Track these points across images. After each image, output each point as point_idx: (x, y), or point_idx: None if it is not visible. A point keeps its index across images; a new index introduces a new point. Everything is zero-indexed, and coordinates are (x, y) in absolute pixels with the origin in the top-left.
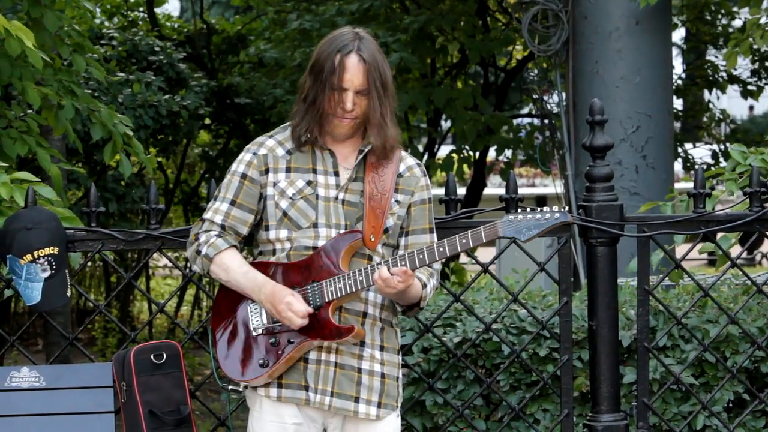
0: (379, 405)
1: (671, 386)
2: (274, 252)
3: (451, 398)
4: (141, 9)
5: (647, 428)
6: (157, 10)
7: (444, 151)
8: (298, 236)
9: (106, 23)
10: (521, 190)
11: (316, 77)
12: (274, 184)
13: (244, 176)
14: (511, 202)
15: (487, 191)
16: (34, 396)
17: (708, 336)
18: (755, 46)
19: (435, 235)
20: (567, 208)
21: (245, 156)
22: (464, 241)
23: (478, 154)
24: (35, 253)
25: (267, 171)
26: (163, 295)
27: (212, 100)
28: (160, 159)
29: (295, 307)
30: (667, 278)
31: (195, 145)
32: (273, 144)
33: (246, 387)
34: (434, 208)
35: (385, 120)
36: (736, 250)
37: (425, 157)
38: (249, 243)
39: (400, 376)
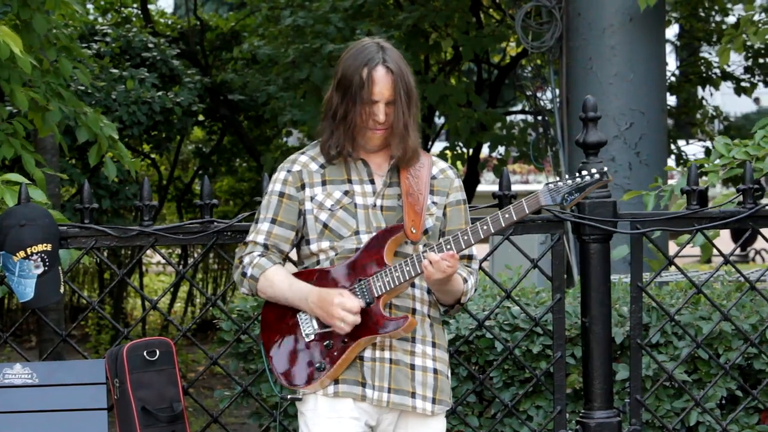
0: (433, 401)
1: (664, 383)
2: (318, 263)
3: None
4: (134, 5)
5: (640, 425)
6: (150, 7)
7: (437, 147)
8: (340, 245)
9: (100, 20)
10: (515, 187)
11: (345, 92)
12: (312, 198)
13: (282, 194)
14: (504, 199)
15: (480, 188)
16: (27, 393)
17: (701, 333)
18: (749, 43)
19: None
20: (605, 167)
21: (280, 174)
22: (507, 215)
23: (471, 150)
24: (28, 250)
25: (303, 186)
26: (156, 292)
27: (206, 97)
28: (153, 155)
29: (348, 305)
30: (660, 276)
31: (188, 141)
32: (306, 159)
33: (304, 393)
34: None
35: (408, 130)
36: (729, 247)
37: None
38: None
39: (449, 373)
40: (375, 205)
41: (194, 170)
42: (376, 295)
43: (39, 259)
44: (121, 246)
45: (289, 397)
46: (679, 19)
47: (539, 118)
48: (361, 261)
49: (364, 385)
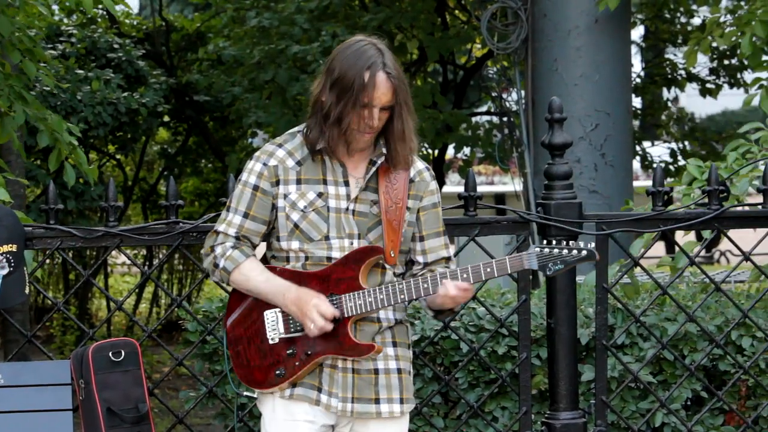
0: (401, 401)
1: (629, 384)
2: (287, 260)
3: None
4: (100, 6)
5: (605, 426)
6: (115, 8)
7: None
8: (310, 248)
9: (65, 20)
10: (480, 188)
11: (342, 93)
12: (285, 196)
13: (256, 188)
14: (470, 200)
15: (446, 189)
16: None
17: (666, 334)
18: (714, 44)
19: (447, 236)
20: (592, 245)
21: (256, 166)
22: (488, 270)
23: (436, 151)
24: None
25: (278, 183)
26: (121, 293)
27: (171, 98)
28: (118, 156)
29: (322, 309)
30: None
31: (154, 142)
32: (283, 155)
33: (260, 393)
34: None
35: (410, 135)
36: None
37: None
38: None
39: (412, 371)
40: (348, 209)
41: (159, 171)
42: (347, 316)
43: (4, 260)
44: (87, 247)
45: (245, 393)
46: (645, 21)
47: (505, 119)
48: (335, 275)
49: (320, 390)
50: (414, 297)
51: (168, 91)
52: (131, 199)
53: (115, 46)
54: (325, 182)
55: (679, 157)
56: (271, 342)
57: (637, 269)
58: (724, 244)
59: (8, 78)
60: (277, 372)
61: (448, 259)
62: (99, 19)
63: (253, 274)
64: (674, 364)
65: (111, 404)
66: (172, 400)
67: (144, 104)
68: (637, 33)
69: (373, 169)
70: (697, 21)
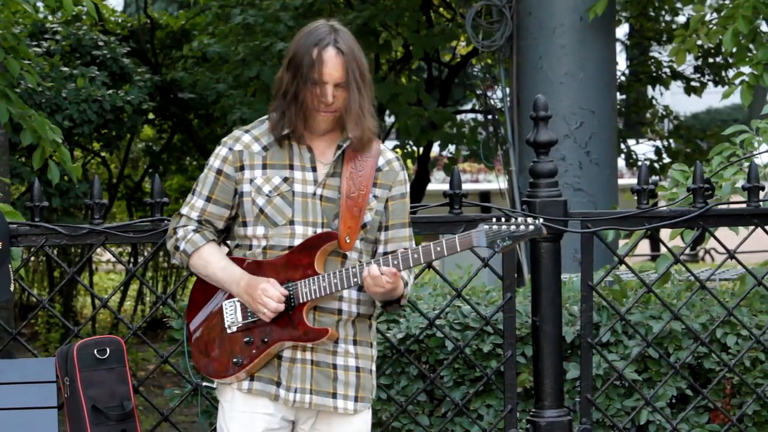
0: (356, 399)
1: (614, 382)
2: (250, 247)
3: (394, 394)
4: (84, 3)
5: (590, 424)
6: (94, 6)
7: (388, 146)
8: (274, 234)
9: (50, 17)
10: (465, 186)
11: (295, 72)
12: (251, 181)
13: (219, 172)
14: (455, 198)
15: (431, 187)
16: None
17: (651, 332)
18: (699, 42)
19: (411, 228)
20: (540, 220)
21: (221, 151)
22: (438, 249)
23: (421, 149)
24: None
25: (242, 168)
26: (106, 290)
27: (156, 95)
28: (103, 154)
29: (270, 292)
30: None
31: (138, 140)
32: (249, 140)
33: (219, 383)
34: None
35: (363, 112)
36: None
37: None
38: (227, 236)
39: (374, 368)
40: (315, 194)
41: (144, 168)
42: (302, 301)
43: None
44: (72, 244)
45: (204, 384)
46: (629, 19)
47: (490, 116)
48: (292, 262)
49: (278, 384)
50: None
51: (153, 88)
52: (116, 197)
53: (100, 43)
54: (291, 167)
55: (664, 155)
56: (229, 331)
57: (623, 267)
58: (709, 242)
59: None
60: (235, 360)
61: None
62: (84, 17)
63: (212, 259)
64: (659, 362)
65: (96, 402)
66: (157, 397)
67: (129, 102)
68: (622, 31)
69: (339, 152)
70: (681, 19)
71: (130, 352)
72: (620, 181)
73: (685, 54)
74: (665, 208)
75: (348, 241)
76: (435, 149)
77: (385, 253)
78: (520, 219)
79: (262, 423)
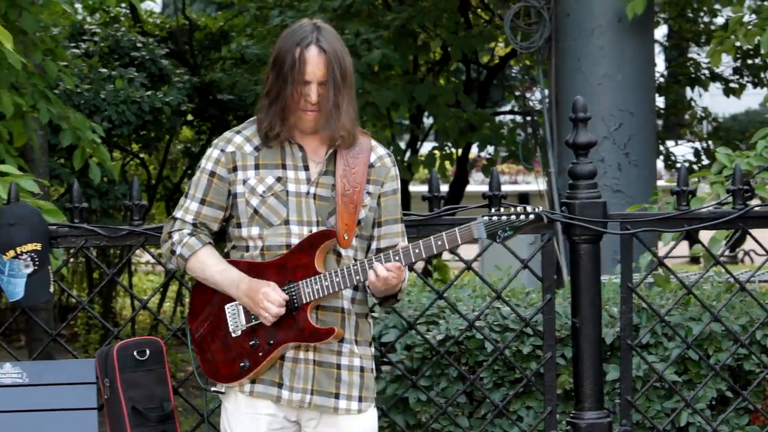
0: (360, 399)
1: (654, 383)
2: (247, 249)
3: (434, 395)
4: (123, 5)
5: (630, 425)
6: (141, 5)
7: (426, 148)
8: (269, 234)
9: (88, 19)
10: (504, 187)
11: (279, 72)
12: (244, 182)
13: (212, 174)
14: (494, 199)
15: (469, 188)
16: (16, 392)
17: (691, 333)
18: (738, 44)
19: (403, 224)
20: (540, 208)
21: (213, 153)
22: (439, 243)
23: (460, 150)
24: (18, 249)
25: (235, 169)
26: (145, 292)
27: (194, 96)
28: (142, 155)
29: (271, 297)
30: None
31: (177, 141)
32: (241, 141)
33: (227, 387)
34: (416, 205)
35: (338, 109)
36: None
37: (408, 154)
38: (221, 238)
39: (374, 367)
40: (308, 193)
41: (183, 170)
42: (305, 302)
43: (29, 259)
44: (111, 245)
45: (212, 389)
46: (668, 20)
47: (528, 118)
48: (291, 262)
49: (280, 385)
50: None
51: (191, 89)
52: (155, 198)
53: (139, 44)
54: (284, 167)
55: (703, 157)
56: (233, 335)
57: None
58: (749, 244)
59: (31, 77)
60: (242, 364)
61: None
62: (122, 18)
63: (209, 262)
64: (699, 364)
65: (136, 403)
66: (196, 398)
67: (167, 103)
68: (661, 32)
69: (330, 151)
70: (720, 20)
71: (170, 354)
72: (659, 183)
73: (721, 55)
74: (704, 209)
75: (346, 238)
76: (473, 150)
77: (378, 250)
78: (519, 209)
79: (265, 424)
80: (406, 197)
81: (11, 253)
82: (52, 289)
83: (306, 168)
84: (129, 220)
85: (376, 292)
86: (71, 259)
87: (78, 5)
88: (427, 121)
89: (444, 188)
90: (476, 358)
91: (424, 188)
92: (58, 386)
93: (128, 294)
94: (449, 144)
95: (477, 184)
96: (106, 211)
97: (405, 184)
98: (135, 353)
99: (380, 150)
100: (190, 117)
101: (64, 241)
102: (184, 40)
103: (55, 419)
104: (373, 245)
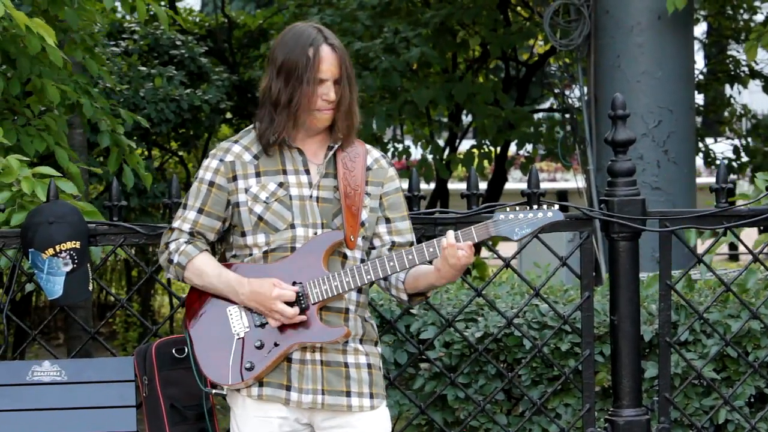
0: (371, 396)
1: (693, 381)
2: (250, 255)
3: (472, 393)
4: (162, 3)
5: (669, 423)
6: (178, 5)
7: (465, 145)
8: (275, 239)
9: (128, 17)
10: (543, 185)
11: (289, 76)
12: (246, 190)
13: (211, 184)
14: (533, 197)
15: (508, 186)
16: (55, 390)
17: (729, 331)
18: None
19: (410, 221)
20: (556, 206)
21: (212, 163)
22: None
23: (499, 148)
24: (57, 247)
25: (235, 178)
26: (184, 290)
27: (233, 95)
28: (181, 153)
29: (287, 297)
30: (690, 273)
31: (216, 139)
32: (239, 150)
33: (229, 389)
34: (455, 203)
35: (354, 109)
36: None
37: (446, 152)
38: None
39: (381, 365)
40: (311, 197)
41: None
42: (313, 302)
43: (68, 257)
44: (150, 243)
45: (214, 392)
46: (707, 17)
47: (567, 115)
48: (297, 264)
49: (288, 388)
50: (381, 276)
51: (230, 87)
52: None
53: (178, 43)
54: (284, 172)
55: (742, 154)
56: (237, 337)
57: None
58: None
59: (72, 74)
60: (247, 366)
61: (412, 243)
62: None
63: (206, 269)
64: (738, 361)
65: (174, 401)
66: None
67: (206, 101)
68: (700, 29)
69: (330, 153)
70: (760, 17)
71: None
72: (698, 180)
73: (757, 49)
74: (744, 207)
75: (353, 239)
76: (512, 148)
77: (393, 243)
78: (536, 207)
79: (277, 427)
80: (444, 195)
81: (50, 251)
82: (91, 287)
83: (307, 172)
84: (168, 219)
85: (444, 277)
86: (110, 257)
87: (117, 3)
88: (466, 119)
89: (482, 186)
90: (515, 355)
91: (463, 186)
92: (97, 384)
93: (167, 292)
94: (488, 142)
95: (515, 182)
96: (144, 209)
97: (443, 181)
98: (174, 351)
99: (375, 153)
100: (228, 115)
101: (103, 239)
102: (223, 38)
103: (93, 417)
104: (387, 239)
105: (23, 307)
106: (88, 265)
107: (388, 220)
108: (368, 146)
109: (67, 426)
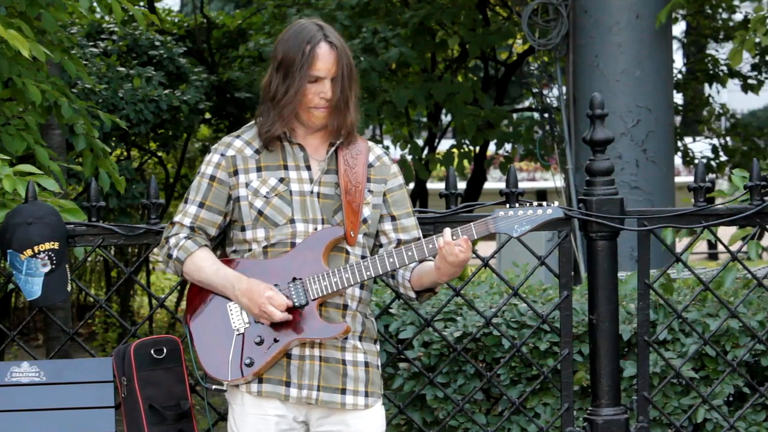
0: (366, 394)
1: (672, 380)
2: (250, 250)
3: (451, 392)
4: (141, 3)
5: (647, 422)
6: (157, 5)
7: (444, 145)
8: (275, 234)
9: (107, 18)
10: (521, 184)
11: (287, 72)
12: (247, 185)
13: (212, 178)
14: (511, 196)
15: (487, 185)
16: (34, 391)
17: (708, 330)
18: (758, 40)
19: (415, 217)
20: (556, 203)
21: (213, 157)
22: (454, 237)
23: (478, 148)
24: (36, 248)
25: (236, 173)
26: (163, 290)
27: (212, 95)
28: (160, 153)
29: (276, 301)
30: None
31: (195, 139)
32: (241, 144)
33: (228, 385)
34: (434, 202)
35: (347, 104)
36: (736, 244)
37: (425, 152)
38: (221, 244)
39: (380, 364)
40: (312, 192)
41: None
42: (312, 298)
43: (46, 258)
44: (128, 244)
45: (213, 387)
46: (686, 16)
47: (546, 115)
48: (297, 259)
49: (288, 384)
50: (380, 272)
51: (209, 88)
52: (173, 197)
53: (157, 43)
54: (286, 167)
55: (721, 153)
56: (237, 333)
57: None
58: (766, 240)
59: (49, 76)
60: (246, 362)
61: (418, 239)
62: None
63: (204, 264)
64: (716, 360)
65: (153, 401)
66: (214, 397)
67: (185, 101)
68: (679, 28)
69: (332, 150)
70: (738, 17)
71: (187, 352)
72: (677, 179)
73: (742, 55)
74: (722, 205)
75: (353, 235)
76: (491, 148)
77: (400, 241)
78: (536, 204)
79: (274, 425)
80: (423, 194)
81: (29, 252)
82: (69, 288)
83: (308, 167)
84: (146, 219)
85: (445, 274)
86: (89, 258)
87: (95, 3)
88: (445, 118)
89: (461, 186)
90: (493, 354)
91: (442, 185)
92: (76, 385)
93: (146, 292)
94: (467, 141)
95: (495, 182)
96: (123, 210)
97: (422, 181)
98: (152, 352)
99: (377, 150)
100: (208, 115)
101: (82, 240)
102: (202, 38)
103: (72, 418)
104: (393, 236)
105: (2, 308)
106: (67, 266)
107: (393, 218)
108: (371, 143)
109: (45, 427)
